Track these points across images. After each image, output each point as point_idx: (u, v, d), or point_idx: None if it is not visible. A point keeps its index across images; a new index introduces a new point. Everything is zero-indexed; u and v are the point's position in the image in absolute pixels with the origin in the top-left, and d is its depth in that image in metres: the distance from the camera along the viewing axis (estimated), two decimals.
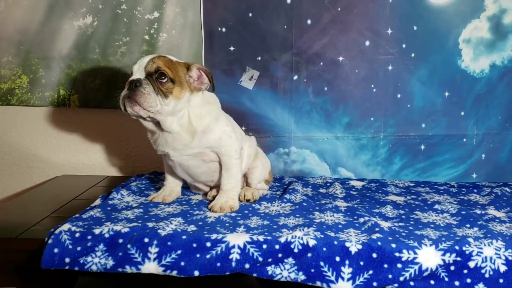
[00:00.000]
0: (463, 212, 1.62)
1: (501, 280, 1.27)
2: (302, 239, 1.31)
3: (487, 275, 1.27)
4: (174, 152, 1.62)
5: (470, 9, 2.03)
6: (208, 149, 1.64)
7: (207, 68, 1.62)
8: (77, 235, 1.34)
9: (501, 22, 2.03)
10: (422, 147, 2.14)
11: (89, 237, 1.33)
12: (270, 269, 1.29)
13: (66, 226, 1.36)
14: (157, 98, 1.50)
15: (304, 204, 1.68)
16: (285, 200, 1.72)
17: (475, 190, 1.97)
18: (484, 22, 2.04)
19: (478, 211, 1.65)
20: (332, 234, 1.36)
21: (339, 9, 2.05)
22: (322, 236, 1.34)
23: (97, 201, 1.68)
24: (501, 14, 2.03)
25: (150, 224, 1.40)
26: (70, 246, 1.31)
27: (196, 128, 1.60)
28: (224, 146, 1.64)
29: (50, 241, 1.31)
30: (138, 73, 1.53)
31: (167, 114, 1.54)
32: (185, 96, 1.57)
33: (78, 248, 1.31)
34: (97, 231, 1.35)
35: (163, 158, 1.72)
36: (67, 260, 1.29)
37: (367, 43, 2.07)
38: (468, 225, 1.50)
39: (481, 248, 1.29)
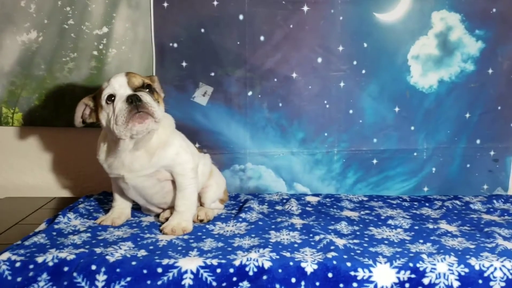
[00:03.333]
0: (416, 227, 1.64)
1: None
2: (257, 261, 1.28)
3: None
4: (130, 174, 1.56)
5: (418, 26, 2.08)
6: (163, 168, 1.59)
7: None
8: (18, 264, 1.26)
9: (447, 39, 2.09)
10: (375, 161, 2.17)
11: (31, 266, 1.26)
12: None
13: (5, 256, 1.28)
14: (157, 105, 1.49)
15: (260, 223, 1.65)
16: (240, 219, 1.69)
17: (427, 204, 2.00)
18: (432, 39, 2.09)
19: (431, 226, 1.67)
20: (288, 254, 1.34)
21: (291, 26, 2.06)
22: (277, 257, 1.32)
23: (42, 226, 1.60)
24: (448, 31, 2.09)
25: (98, 250, 1.33)
26: (9, 277, 1.23)
27: (159, 143, 1.56)
28: (180, 164, 1.59)
29: None
30: (122, 90, 1.47)
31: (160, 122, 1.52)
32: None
33: (19, 279, 1.23)
34: (40, 259, 1.27)
35: (112, 179, 1.66)
36: None
37: (319, 59, 2.08)
38: (421, 241, 1.51)
39: (435, 264, 1.30)
